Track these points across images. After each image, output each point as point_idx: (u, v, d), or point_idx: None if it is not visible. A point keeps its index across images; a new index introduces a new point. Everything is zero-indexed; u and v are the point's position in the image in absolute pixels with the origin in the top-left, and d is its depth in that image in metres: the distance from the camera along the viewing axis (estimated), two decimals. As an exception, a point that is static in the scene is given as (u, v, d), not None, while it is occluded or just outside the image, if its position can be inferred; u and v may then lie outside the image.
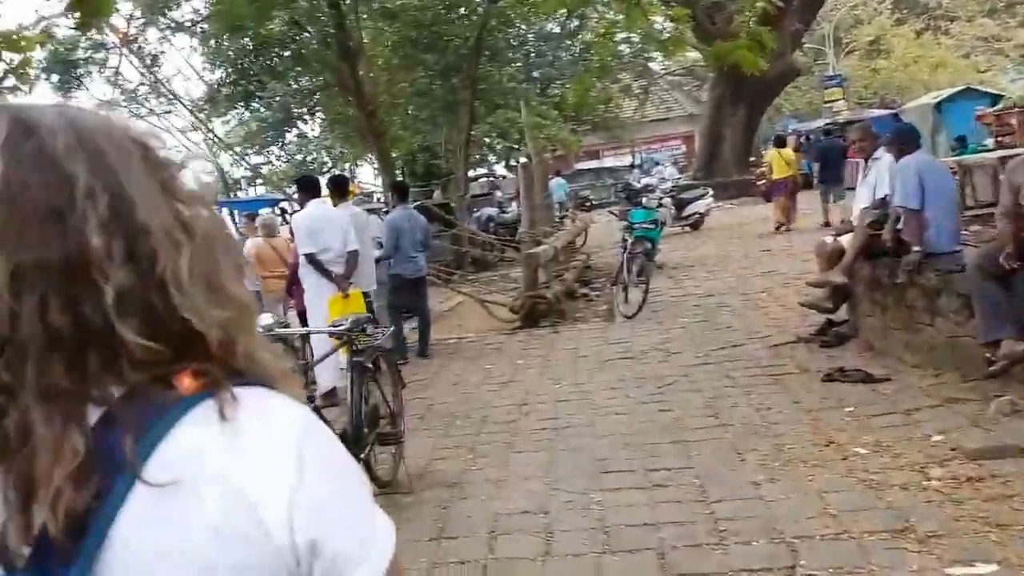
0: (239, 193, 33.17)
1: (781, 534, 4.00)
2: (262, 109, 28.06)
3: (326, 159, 33.51)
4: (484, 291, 13.60)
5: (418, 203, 17.99)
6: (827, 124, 27.07)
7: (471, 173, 27.98)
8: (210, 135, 26.30)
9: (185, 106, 24.99)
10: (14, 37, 7.34)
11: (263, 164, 32.24)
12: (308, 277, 7.91)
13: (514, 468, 5.44)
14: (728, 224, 20.48)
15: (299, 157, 32.14)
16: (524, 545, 4.23)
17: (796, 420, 5.74)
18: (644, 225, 12.53)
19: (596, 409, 6.61)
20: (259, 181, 31.91)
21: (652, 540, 4.10)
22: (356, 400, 4.86)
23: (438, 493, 5.13)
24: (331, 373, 7.33)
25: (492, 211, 21.74)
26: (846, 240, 7.53)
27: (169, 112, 28.51)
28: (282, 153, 33.28)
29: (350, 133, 23.73)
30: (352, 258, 7.90)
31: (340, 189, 9.34)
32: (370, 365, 5.14)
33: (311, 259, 7.74)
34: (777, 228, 17.78)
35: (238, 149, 29.60)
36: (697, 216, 19.50)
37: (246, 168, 30.91)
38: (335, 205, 8.97)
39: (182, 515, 0.77)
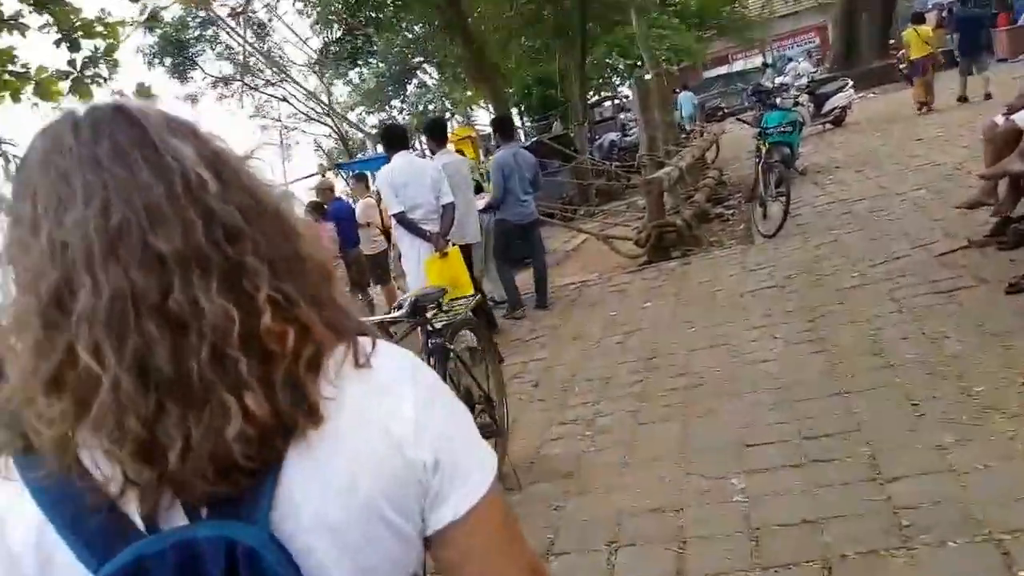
0: (367, 153, 33.09)
1: (984, 528, 3.00)
2: (378, 64, 27.56)
3: (448, 106, 32.91)
4: (611, 224, 12.65)
5: (535, 139, 17.12)
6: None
7: (595, 98, 26.79)
8: (319, 100, 26.13)
9: (287, 74, 24.73)
10: (92, 23, 6.94)
11: (387, 120, 31.88)
12: (403, 239, 7.22)
13: (640, 446, 4.57)
14: (872, 115, 18.78)
15: (420, 108, 31.58)
16: (651, 562, 3.36)
17: (981, 350, 4.64)
18: (780, 129, 11.32)
19: (736, 357, 5.64)
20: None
21: (814, 546, 3.17)
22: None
23: (550, 488, 4.31)
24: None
25: (614, 136, 20.52)
26: (1022, 118, 6.23)
27: (284, 80, 28.51)
28: (404, 106, 32.88)
29: (460, 75, 22.80)
30: (448, 212, 7.13)
31: (437, 136, 8.44)
32: (452, 345, 4.29)
33: (401, 219, 7.02)
34: (919, 109, 16.87)
35: (358, 111, 29.33)
36: (838, 111, 17.98)
37: (360, 129, 30.74)
38: (433, 154, 8.23)
39: (331, 451, 0.88)
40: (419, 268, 6.92)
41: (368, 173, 13.07)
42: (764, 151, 10.29)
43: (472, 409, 4.29)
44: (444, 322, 4.32)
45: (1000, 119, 6.57)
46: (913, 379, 4.49)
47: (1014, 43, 23.19)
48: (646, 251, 9.91)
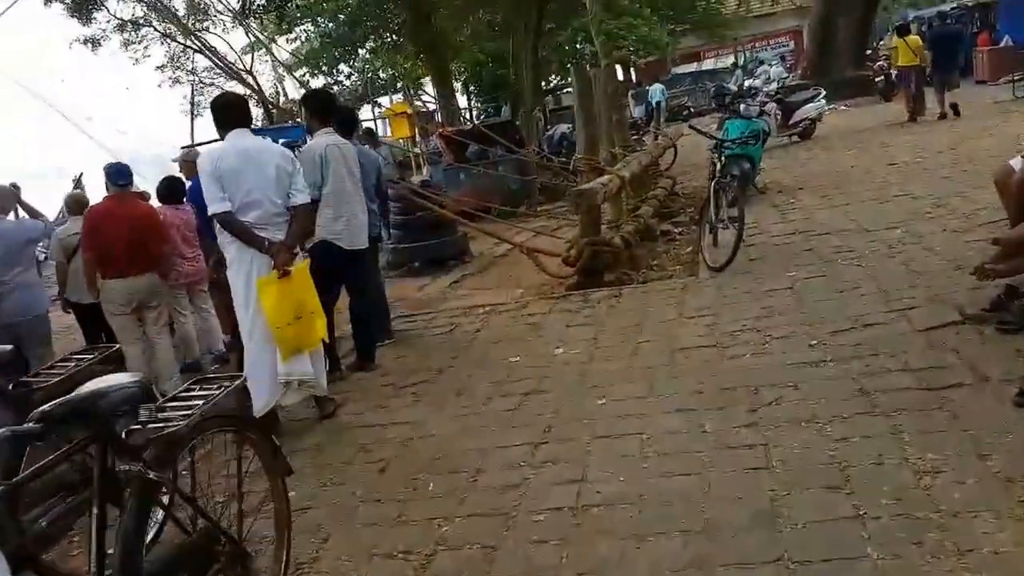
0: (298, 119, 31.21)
1: None
2: (327, 24, 25.71)
3: (398, 77, 31.06)
4: (547, 230, 11.14)
5: (471, 125, 15.55)
6: (950, 7, 24.37)
7: (558, 81, 25.29)
8: (237, 59, 24.31)
9: (190, 30, 22.83)
10: None
11: (332, 84, 29.96)
12: (228, 247, 5.31)
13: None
14: (844, 130, 17.56)
15: (369, 75, 29.60)
16: None
17: (988, 504, 3.18)
18: (740, 141, 9.90)
19: (648, 463, 4.12)
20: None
21: None
22: (122, 555, 2.29)
23: None
24: (267, 386, 5.23)
25: (565, 128, 18.93)
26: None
27: (203, 31, 26.54)
28: (352, 72, 30.95)
29: (400, 42, 21.07)
30: (300, 217, 5.39)
31: (318, 111, 6.54)
32: (164, 473, 2.51)
33: (226, 221, 5.14)
34: (909, 118, 16.68)
35: (300, 73, 27.50)
36: (807, 123, 16.61)
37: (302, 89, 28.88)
38: (311, 132, 6.54)
39: None
40: (248, 291, 5.18)
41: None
42: (719, 166, 8.79)
43: (203, 573, 2.62)
44: (156, 430, 2.51)
45: (1017, 162, 5.15)
46: (891, 549, 3.02)
47: (995, 65, 22.14)
48: (576, 271, 8.44)
